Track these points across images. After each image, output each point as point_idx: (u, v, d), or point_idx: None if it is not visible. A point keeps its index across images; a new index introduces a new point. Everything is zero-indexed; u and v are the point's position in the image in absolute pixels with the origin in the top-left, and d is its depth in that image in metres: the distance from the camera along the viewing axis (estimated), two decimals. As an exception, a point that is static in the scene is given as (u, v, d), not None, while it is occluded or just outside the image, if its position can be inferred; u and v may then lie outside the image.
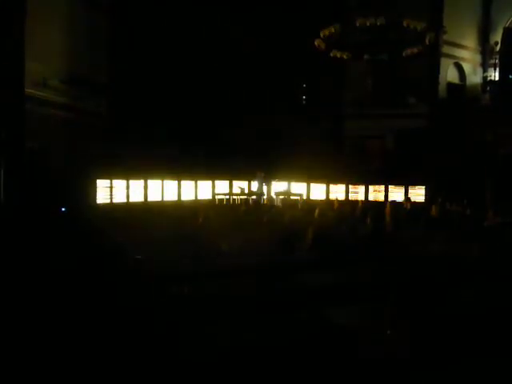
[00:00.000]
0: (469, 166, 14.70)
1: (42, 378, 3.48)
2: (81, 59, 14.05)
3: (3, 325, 4.31)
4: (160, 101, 16.30)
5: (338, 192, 16.05)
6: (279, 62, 17.75)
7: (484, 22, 18.70)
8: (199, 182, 16.20)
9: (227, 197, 16.24)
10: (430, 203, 14.50)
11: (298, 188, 16.48)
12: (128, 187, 14.13)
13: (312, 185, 16.45)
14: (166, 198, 15.17)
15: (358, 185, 15.96)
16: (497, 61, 18.19)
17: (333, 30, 13.36)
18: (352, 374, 3.59)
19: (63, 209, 11.50)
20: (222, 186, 16.65)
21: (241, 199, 15.86)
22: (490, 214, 11.26)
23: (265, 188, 16.20)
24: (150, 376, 3.52)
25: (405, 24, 13.03)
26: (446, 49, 17.59)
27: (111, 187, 13.68)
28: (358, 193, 16.01)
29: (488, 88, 18.53)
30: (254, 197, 15.91)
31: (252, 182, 16.36)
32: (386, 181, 15.62)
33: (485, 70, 18.92)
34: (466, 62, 18.50)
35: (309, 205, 14.75)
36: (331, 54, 14.53)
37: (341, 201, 15.35)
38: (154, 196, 14.83)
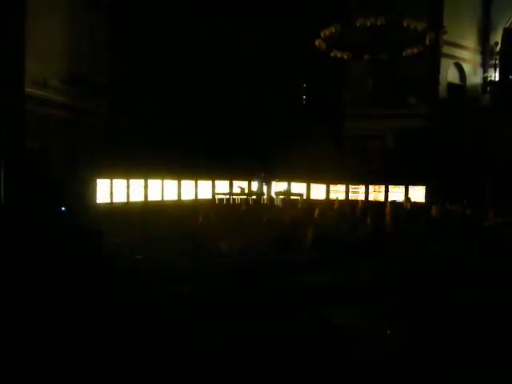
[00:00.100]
0: (469, 166, 14.70)
1: (42, 378, 3.48)
2: (81, 59, 14.05)
3: (3, 324, 4.31)
4: (160, 101, 16.30)
5: (338, 192, 16.04)
6: (279, 61, 17.74)
7: (484, 22, 18.70)
8: (199, 182, 16.20)
9: (227, 197, 16.24)
10: (430, 203, 14.51)
11: (298, 188, 16.48)
12: (128, 187, 14.12)
13: (312, 185, 16.45)
14: (166, 198, 15.17)
15: (358, 185, 15.95)
16: (497, 61, 18.19)
17: (333, 30, 13.37)
18: (352, 374, 3.59)
19: (63, 208, 11.49)
20: (222, 186, 16.65)
21: (241, 199, 15.86)
22: (490, 214, 11.26)
23: (265, 188, 16.20)
24: (150, 376, 3.52)
25: (405, 24, 13.04)
26: (446, 49, 17.58)
27: (111, 187, 13.67)
28: (358, 193, 16.00)
29: (488, 88, 18.54)
30: (254, 197, 15.91)
31: (252, 182, 16.37)
32: (386, 181, 15.61)
33: (485, 71, 18.92)
34: (466, 63, 18.50)
35: (309, 205, 14.76)
36: (331, 54, 14.55)
37: (341, 201, 15.35)
38: (154, 196, 14.83)
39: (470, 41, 18.53)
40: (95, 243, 7.87)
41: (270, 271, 6.53)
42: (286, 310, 4.92)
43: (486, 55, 18.85)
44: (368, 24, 13.03)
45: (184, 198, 15.70)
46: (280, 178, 16.42)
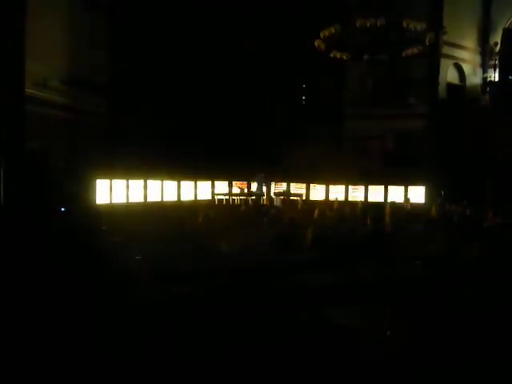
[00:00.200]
0: (468, 167, 14.71)
1: (42, 378, 3.48)
2: (81, 59, 14.03)
3: (3, 324, 4.31)
4: (160, 101, 16.30)
5: (337, 192, 16.04)
6: (279, 62, 17.74)
7: (484, 22, 18.71)
8: (199, 183, 16.20)
9: (227, 197, 16.25)
10: (429, 203, 14.52)
11: (298, 188, 16.48)
12: (128, 187, 14.12)
13: (312, 185, 16.45)
14: (165, 199, 15.17)
15: (358, 185, 15.95)
16: (496, 62, 18.19)
17: (333, 31, 13.38)
18: (352, 374, 3.59)
19: (63, 209, 11.49)
20: (221, 187, 16.66)
21: (240, 199, 15.87)
22: (489, 214, 11.27)
23: (264, 188, 16.20)
24: (150, 375, 3.52)
25: (405, 24, 13.06)
26: (445, 49, 17.59)
27: (111, 187, 13.67)
28: (357, 193, 16.00)
29: (488, 89, 18.55)
30: (253, 197, 15.91)
31: (252, 183, 16.37)
32: (386, 181, 15.61)
33: (484, 71, 18.93)
34: (465, 63, 18.50)
35: (308, 205, 14.77)
36: (331, 55, 14.55)
37: (341, 201, 15.35)
38: (154, 196, 14.83)
39: (470, 41, 18.54)
40: (95, 243, 7.88)
41: (269, 271, 6.53)
42: (286, 310, 4.92)
43: (485, 56, 18.85)
44: (368, 24, 13.04)
45: (184, 198, 15.71)
46: (280, 178, 16.42)
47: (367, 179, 15.71)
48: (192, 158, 15.34)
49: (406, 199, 14.84)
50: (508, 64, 17.46)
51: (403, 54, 14.45)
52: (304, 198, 16.08)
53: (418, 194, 15.38)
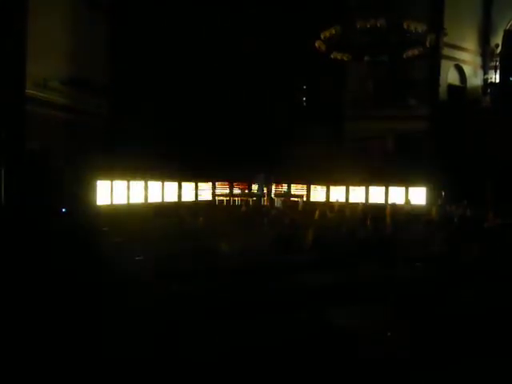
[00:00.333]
0: (469, 168, 14.69)
1: (42, 378, 3.47)
2: (81, 60, 14.04)
3: (3, 324, 4.31)
4: (160, 102, 16.30)
5: (338, 193, 16.02)
6: (280, 62, 17.75)
7: (484, 24, 18.71)
8: (199, 183, 16.21)
9: (227, 198, 16.25)
10: (430, 205, 14.51)
11: (299, 189, 16.47)
12: (128, 188, 14.12)
13: (312, 186, 16.45)
14: (166, 199, 15.18)
15: (359, 186, 15.94)
16: (497, 63, 18.19)
17: (333, 32, 13.38)
18: (352, 374, 3.58)
19: (63, 209, 11.49)
20: (222, 187, 16.66)
21: (241, 200, 15.87)
22: (490, 215, 11.26)
23: (265, 189, 16.20)
24: (150, 375, 3.52)
25: (405, 26, 13.05)
26: (446, 51, 17.59)
27: (111, 188, 13.67)
28: (358, 194, 15.98)
29: (488, 90, 18.54)
30: (254, 198, 15.91)
31: (252, 184, 16.37)
32: (387, 182, 15.61)
33: (485, 72, 18.93)
34: (466, 64, 18.50)
35: (309, 206, 14.76)
36: (332, 56, 14.55)
37: (341, 202, 15.34)
38: (155, 197, 14.83)
39: (471, 43, 18.54)
40: (95, 243, 7.88)
41: (270, 271, 6.53)
42: (286, 310, 4.92)
43: (486, 57, 18.85)
44: (368, 26, 13.04)
45: (184, 199, 15.71)
46: (280, 179, 16.41)
47: (368, 180, 15.70)
48: (192, 159, 15.34)
49: (407, 200, 14.82)
50: (509, 65, 17.44)
51: (404, 56, 14.44)
52: (304, 199, 16.08)
53: (418, 195, 15.36)
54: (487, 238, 8.97)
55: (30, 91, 11.80)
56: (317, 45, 13.83)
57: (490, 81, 18.69)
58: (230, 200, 16.14)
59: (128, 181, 14.09)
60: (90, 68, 14.52)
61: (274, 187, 16.51)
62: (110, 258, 7.06)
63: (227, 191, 16.65)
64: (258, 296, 5.40)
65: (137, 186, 14.34)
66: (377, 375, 3.55)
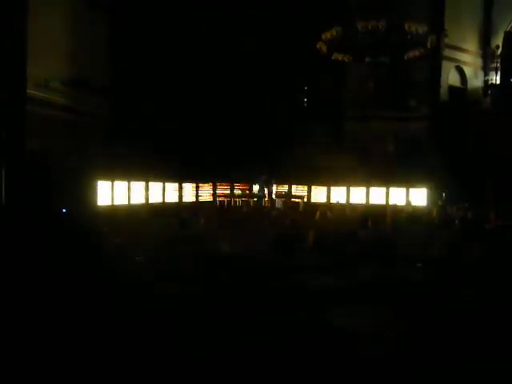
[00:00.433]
0: (470, 169, 14.68)
1: (42, 378, 3.47)
2: (82, 61, 14.03)
3: (3, 324, 4.30)
4: (161, 102, 16.30)
5: (339, 194, 16.03)
6: (280, 63, 17.75)
7: (485, 25, 18.71)
8: (200, 184, 16.23)
9: (228, 199, 16.25)
10: (431, 206, 14.51)
11: (299, 190, 16.48)
12: (129, 189, 14.13)
13: (313, 187, 16.45)
14: (167, 200, 15.18)
15: (359, 187, 15.95)
16: (498, 64, 18.18)
17: (334, 33, 13.39)
18: (352, 374, 3.57)
19: (64, 210, 11.49)
20: (222, 188, 16.67)
21: (242, 201, 15.87)
22: (491, 216, 11.26)
23: (266, 190, 16.21)
24: (150, 375, 3.51)
25: (406, 27, 13.06)
26: (447, 52, 17.59)
27: (112, 189, 13.68)
28: (359, 195, 15.98)
29: (489, 91, 18.54)
30: (255, 199, 15.91)
31: (253, 185, 16.37)
32: (387, 183, 15.61)
33: (486, 74, 18.92)
34: (467, 66, 18.50)
35: (310, 207, 14.76)
36: (333, 57, 14.55)
37: (342, 203, 15.34)
38: (155, 198, 14.84)
39: (471, 44, 18.54)
40: (95, 244, 7.87)
41: (270, 271, 6.53)
42: (286, 310, 4.91)
43: (487, 58, 18.84)
44: (369, 27, 13.05)
45: (185, 200, 15.72)
46: (281, 180, 16.42)
47: (368, 181, 15.70)
48: (193, 160, 15.35)
49: (408, 201, 14.82)
50: (509, 67, 17.44)
51: (404, 57, 14.44)
52: (305, 199, 16.08)
53: (419, 196, 15.37)
54: (488, 239, 8.96)
55: (30, 91, 11.79)
56: (318, 46, 13.84)
57: (490, 82, 18.68)
58: (230, 201, 16.13)
59: (128, 181, 14.10)
60: (91, 68, 14.52)
61: (274, 188, 16.52)
62: (110, 259, 7.05)
63: (228, 192, 16.65)
64: (258, 296, 5.39)
65: (137, 186, 14.35)
66: (377, 375, 3.54)
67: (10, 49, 10.36)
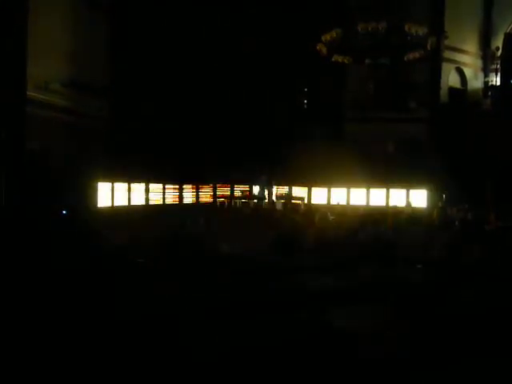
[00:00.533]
0: (470, 171, 14.68)
1: (42, 378, 3.47)
2: (82, 62, 14.03)
3: (3, 325, 4.31)
4: (161, 103, 16.31)
5: (339, 196, 16.03)
6: (280, 64, 17.76)
7: (485, 27, 18.72)
8: (200, 185, 16.24)
9: (228, 200, 16.26)
10: (431, 207, 14.50)
11: (300, 192, 16.48)
12: (129, 190, 14.14)
13: (313, 189, 16.45)
14: (167, 201, 15.19)
15: (359, 188, 15.95)
16: (498, 66, 18.18)
17: (334, 35, 13.40)
18: (352, 374, 3.58)
19: (64, 211, 11.51)
20: (223, 189, 16.68)
21: (242, 203, 15.87)
22: (491, 217, 11.25)
23: (266, 192, 16.21)
24: (151, 375, 3.52)
25: (406, 29, 13.07)
26: (447, 54, 17.60)
27: (112, 190, 13.70)
28: (359, 197, 15.99)
29: (489, 93, 18.53)
30: (255, 200, 15.91)
31: (253, 186, 16.38)
32: (388, 184, 15.61)
33: (486, 75, 18.92)
34: (467, 67, 18.50)
35: (310, 208, 14.75)
36: (333, 59, 14.56)
37: (342, 205, 15.33)
38: (156, 199, 14.85)
39: (471, 45, 18.55)
40: (95, 245, 7.88)
41: (270, 272, 6.53)
42: (286, 311, 4.91)
43: (487, 60, 18.85)
44: (369, 28, 13.06)
45: (186, 201, 15.74)
46: (281, 181, 16.43)
47: (369, 182, 15.71)
48: (193, 161, 15.37)
49: (408, 202, 14.82)
50: (509, 68, 17.44)
51: (405, 58, 14.45)
52: (305, 201, 16.08)
53: (419, 198, 15.38)
54: (488, 241, 8.96)
55: (30, 93, 11.81)
56: (318, 47, 13.85)
57: (490, 83, 18.68)
58: (230, 202, 16.13)
59: (129, 183, 14.11)
60: (91, 70, 14.52)
61: (274, 189, 16.52)
62: (110, 260, 7.06)
63: (228, 193, 16.66)
64: (258, 296, 5.40)
65: (137, 187, 14.36)
66: (377, 375, 3.54)
67: (11, 50, 10.38)
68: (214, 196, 16.60)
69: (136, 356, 3.76)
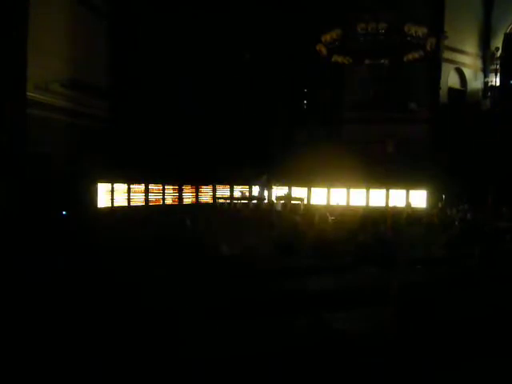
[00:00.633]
0: (470, 171, 14.70)
1: (42, 378, 3.48)
2: (82, 63, 14.07)
3: (3, 326, 4.31)
4: (161, 104, 16.32)
5: (338, 196, 16.04)
6: (280, 65, 17.78)
7: (485, 27, 18.75)
8: (200, 186, 16.26)
9: (228, 201, 16.26)
10: (431, 208, 14.51)
11: (299, 192, 16.49)
12: (129, 191, 14.16)
13: (313, 189, 16.46)
14: (167, 202, 15.21)
15: (359, 189, 15.96)
16: (498, 66, 18.22)
17: (334, 36, 13.41)
18: (352, 377, 3.58)
19: (64, 213, 11.52)
20: (223, 190, 16.70)
21: (242, 203, 15.87)
22: (491, 218, 11.25)
23: (266, 192, 16.21)
24: (151, 376, 3.52)
25: (406, 29, 13.08)
26: (447, 54, 17.62)
27: (112, 191, 13.71)
28: (359, 197, 16.00)
29: (489, 93, 18.56)
30: (254, 201, 15.92)
31: (253, 187, 16.38)
32: (387, 185, 15.62)
33: (486, 76, 18.95)
34: (466, 68, 18.53)
35: (310, 209, 14.75)
36: (332, 59, 14.56)
37: (342, 205, 15.33)
38: (155, 200, 14.87)
39: (471, 46, 18.58)
40: (95, 245, 7.89)
41: (269, 273, 6.53)
42: (285, 312, 4.91)
43: (486, 60, 18.88)
44: (369, 29, 13.07)
45: (185, 202, 15.75)
46: (281, 182, 16.43)
47: (368, 183, 15.72)
48: (194, 161, 15.38)
49: (408, 203, 14.82)
50: (509, 69, 17.49)
51: (404, 59, 14.45)
52: (305, 202, 16.08)
53: (419, 198, 15.39)
54: (488, 241, 8.96)
55: (31, 94, 11.83)
56: (318, 48, 13.86)
57: (490, 84, 18.71)
58: (230, 203, 16.14)
59: (129, 183, 14.12)
60: (91, 70, 14.56)
61: (274, 190, 16.52)
62: (110, 260, 7.06)
63: (228, 194, 16.66)
64: (257, 297, 5.40)
65: (138, 188, 14.38)
66: (377, 378, 3.55)
67: (11, 51, 10.39)
68: (214, 197, 16.60)
69: (136, 356, 3.76)
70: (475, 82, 18.85)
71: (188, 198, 16.05)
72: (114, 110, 15.77)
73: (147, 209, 14.39)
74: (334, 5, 16.84)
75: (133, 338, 4.13)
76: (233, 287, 5.85)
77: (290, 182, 16.44)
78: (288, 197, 16.31)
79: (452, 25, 17.34)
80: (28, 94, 11.63)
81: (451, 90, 18.11)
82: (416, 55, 14.21)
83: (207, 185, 16.55)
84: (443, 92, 17.77)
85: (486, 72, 18.95)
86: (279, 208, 15.69)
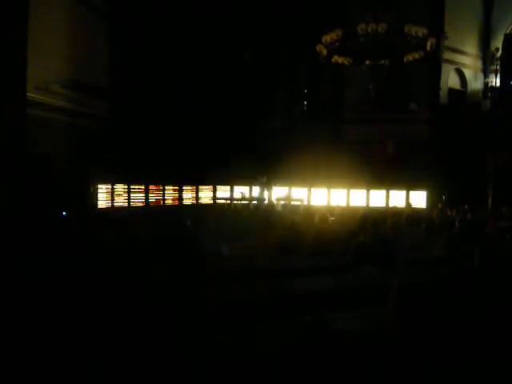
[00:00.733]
0: (470, 172, 14.71)
1: (42, 378, 3.47)
2: (82, 63, 14.08)
3: (3, 327, 4.31)
4: (161, 104, 16.33)
5: (338, 197, 16.04)
6: (280, 65, 17.79)
7: (485, 27, 18.76)
8: (200, 186, 16.26)
9: (228, 202, 16.26)
10: (431, 208, 14.51)
11: (299, 193, 16.49)
12: (129, 191, 14.16)
13: (313, 190, 16.46)
14: (167, 203, 15.21)
15: (359, 190, 15.96)
16: (498, 67, 18.23)
17: (334, 36, 13.42)
18: (352, 377, 3.57)
19: (64, 213, 11.52)
20: (222, 191, 16.70)
21: (242, 204, 15.88)
22: (491, 219, 11.26)
23: (266, 193, 16.22)
24: (151, 376, 3.51)
25: (406, 30, 13.08)
26: (447, 54, 17.63)
27: (112, 191, 13.71)
28: (359, 198, 16.00)
29: (489, 94, 18.57)
30: (254, 202, 15.92)
31: (253, 187, 16.38)
32: (387, 186, 15.63)
33: (486, 76, 18.96)
34: (467, 68, 18.54)
35: (309, 210, 14.74)
36: (332, 60, 14.57)
37: (342, 206, 15.33)
38: (156, 200, 14.88)
39: (471, 46, 18.58)
40: (95, 245, 7.88)
41: (269, 275, 6.52)
42: (285, 314, 4.91)
43: (486, 61, 18.89)
44: (369, 30, 13.07)
45: (185, 202, 15.76)
46: (281, 183, 16.43)
47: (368, 184, 15.72)
48: (193, 162, 15.38)
49: (408, 204, 14.83)
50: (509, 69, 17.51)
51: (404, 59, 14.46)
52: (305, 202, 16.08)
53: (419, 199, 15.39)
54: (488, 242, 8.96)
55: (31, 94, 11.84)
56: (318, 48, 13.87)
57: (490, 84, 18.72)
58: (230, 203, 16.14)
59: (129, 184, 14.13)
60: (91, 71, 14.57)
61: (274, 190, 16.53)
62: (109, 261, 7.05)
63: (228, 194, 16.67)
64: (257, 299, 5.39)
65: (137, 189, 14.39)
66: (377, 378, 3.54)
67: (11, 52, 10.40)
68: (214, 197, 16.60)
69: (136, 356, 3.76)
70: (475, 83, 18.86)
71: (188, 198, 16.05)
72: (114, 110, 15.78)
73: (147, 209, 14.39)
74: (334, 5, 16.86)
75: (133, 338, 4.13)
76: (232, 287, 5.84)
77: (290, 182, 16.44)
78: (288, 197, 16.32)
79: (452, 25, 17.35)
80: (28, 94, 11.64)
81: (451, 90, 18.12)
82: (416, 56, 14.21)
83: (207, 185, 16.55)
84: (443, 92, 17.78)
85: (486, 73, 18.96)
86: (279, 208, 15.69)
